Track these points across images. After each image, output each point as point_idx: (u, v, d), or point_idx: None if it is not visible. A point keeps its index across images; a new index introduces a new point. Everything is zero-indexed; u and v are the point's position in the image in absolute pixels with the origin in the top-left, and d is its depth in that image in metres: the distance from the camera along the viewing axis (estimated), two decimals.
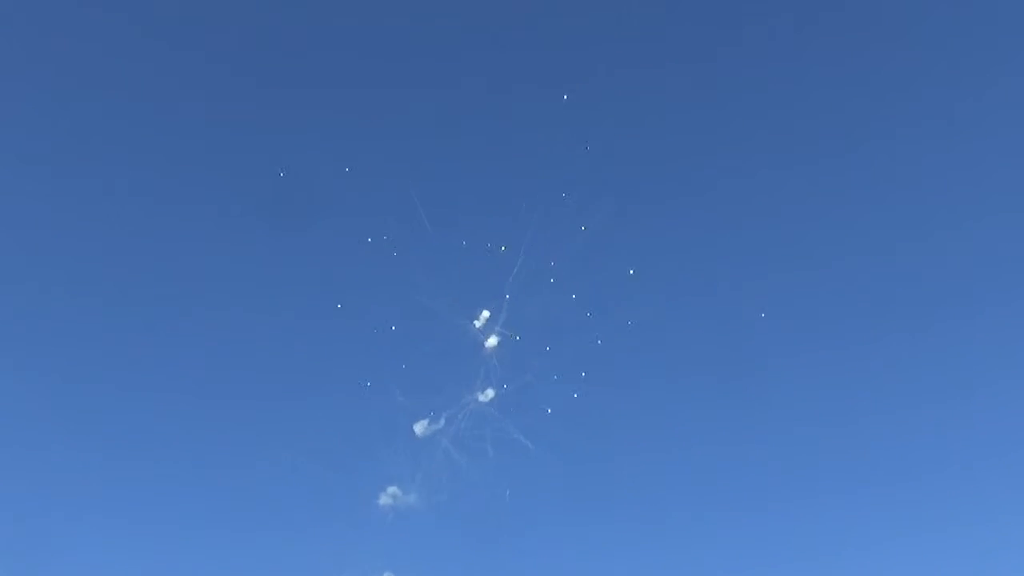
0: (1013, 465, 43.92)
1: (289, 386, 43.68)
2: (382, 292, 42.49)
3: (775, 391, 46.34)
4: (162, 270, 47.68)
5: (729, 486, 43.58)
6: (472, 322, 39.40)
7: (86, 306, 46.80)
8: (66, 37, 49.71)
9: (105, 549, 40.99)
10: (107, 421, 44.35)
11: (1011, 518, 42.46)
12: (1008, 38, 51.70)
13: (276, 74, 50.64)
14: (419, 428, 38.71)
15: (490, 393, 39.02)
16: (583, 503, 41.33)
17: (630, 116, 50.90)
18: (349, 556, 37.79)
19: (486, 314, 39.36)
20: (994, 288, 48.30)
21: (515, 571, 40.30)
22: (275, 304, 45.70)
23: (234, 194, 48.95)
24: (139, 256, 47.93)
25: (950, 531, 42.68)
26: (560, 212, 43.43)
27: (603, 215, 46.48)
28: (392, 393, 39.13)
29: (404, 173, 48.44)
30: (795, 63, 52.64)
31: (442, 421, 38.57)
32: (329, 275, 45.44)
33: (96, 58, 49.89)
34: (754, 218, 50.37)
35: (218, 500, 41.44)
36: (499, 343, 39.08)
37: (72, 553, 40.75)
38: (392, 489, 38.41)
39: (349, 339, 43.31)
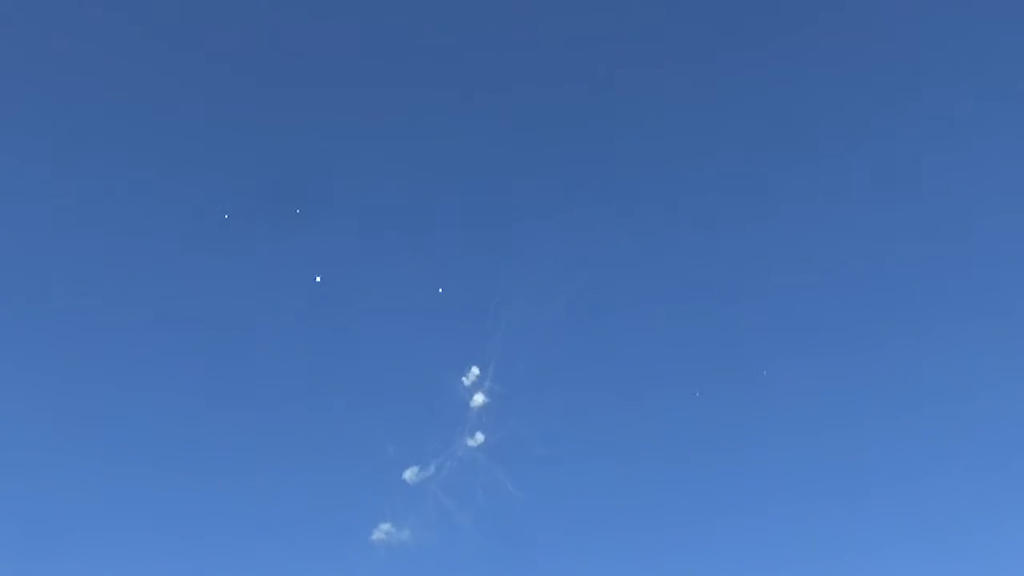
0: (1017, 468, 44.80)
1: (287, 403, 44.70)
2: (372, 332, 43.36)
3: (777, 396, 46.99)
4: (159, 272, 48.12)
5: (731, 495, 44.61)
6: (461, 378, 40.35)
7: (84, 307, 47.38)
8: (64, 37, 49.45)
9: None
10: (99, 424, 45.30)
11: (1015, 523, 43.43)
12: (1009, 38, 51.41)
13: (276, 74, 50.49)
14: (409, 475, 39.84)
15: (480, 437, 40.04)
16: (578, 534, 42.58)
17: (627, 117, 50.95)
18: None
19: (475, 371, 40.17)
20: (998, 291, 48.65)
21: None
22: (273, 319, 46.34)
23: (233, 195, 49.20)
24: (137, 257, 48.43)
25: (954, 535, 43.76)
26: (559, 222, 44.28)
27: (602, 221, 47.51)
28: (383, 441, 40.38)
29: (405, 176, 49.21)
30: (795, 63, 52.41)
31: (432, 468, 39.69)
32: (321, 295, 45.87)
33: (94, 57, 49.66)
34: (754, 220, 50.66)
35: (212, 522, 42.86)
36: (486, 402, 40.05)
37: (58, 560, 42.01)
38: (385, 526, 39.73)
39: (342, 374, 44.18)
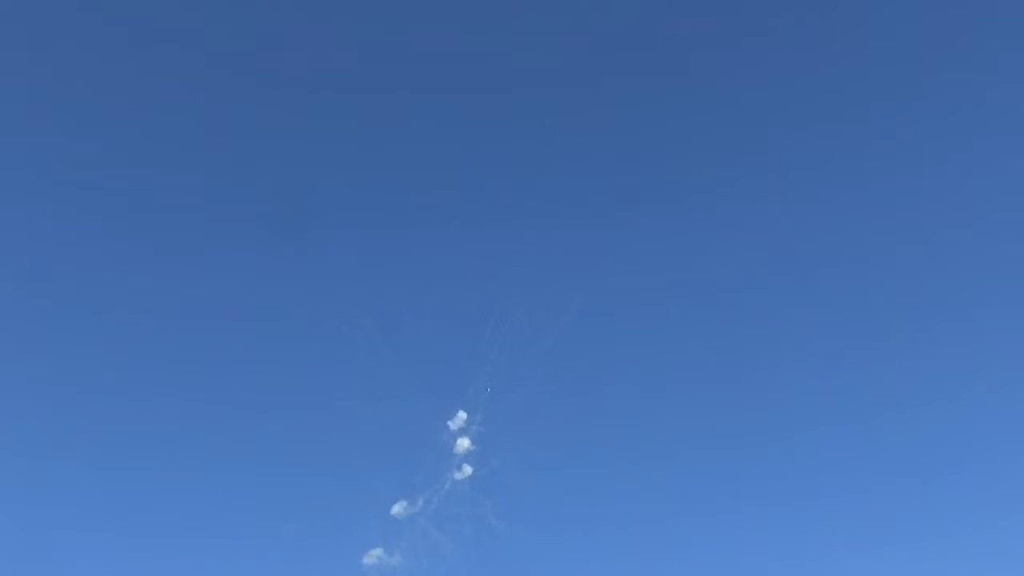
0: (1011, 468, 45.56)
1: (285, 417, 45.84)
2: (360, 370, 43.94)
3: (772, 398, 47.88)
4: (156, 277, 48.76)
5: (714, 528, 45.32)
6: (447, 422, 40.95)
7: (84, 313, 48.59)
8: (66, 42, 49.55)
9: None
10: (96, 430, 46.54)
11: (1009, 523, 44.41)
12: (1009, 38, 50.66)
13: (278, 80, 50.44)
14: (397, 509, 40.74)
15: (468, 470, 40.76)
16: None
17: (629, 116, 50.76)
18: None
19: (463, 415, 40.76)
20: (994, 291, 49.03)
21: None
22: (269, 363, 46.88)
23: (234, 203, 49.57)
24: (136, 263, 49.38)
25: (951, 534, 44.61)
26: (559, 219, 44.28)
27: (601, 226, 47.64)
28: (371, 478, 41.23)
29: (405, 183, 49.34)
30: (792, 64, 51.90)
31: (420, 503, 40.57)
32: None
33: (96, 63, 49.86)
34: (753, 222, 50.76)
35: (207, 545, 43.86)
36: (472, 447, 40.64)
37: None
38: (376, 552, 40.74)
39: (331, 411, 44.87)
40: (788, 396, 47.89)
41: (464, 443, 40.80)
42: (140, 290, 48.86)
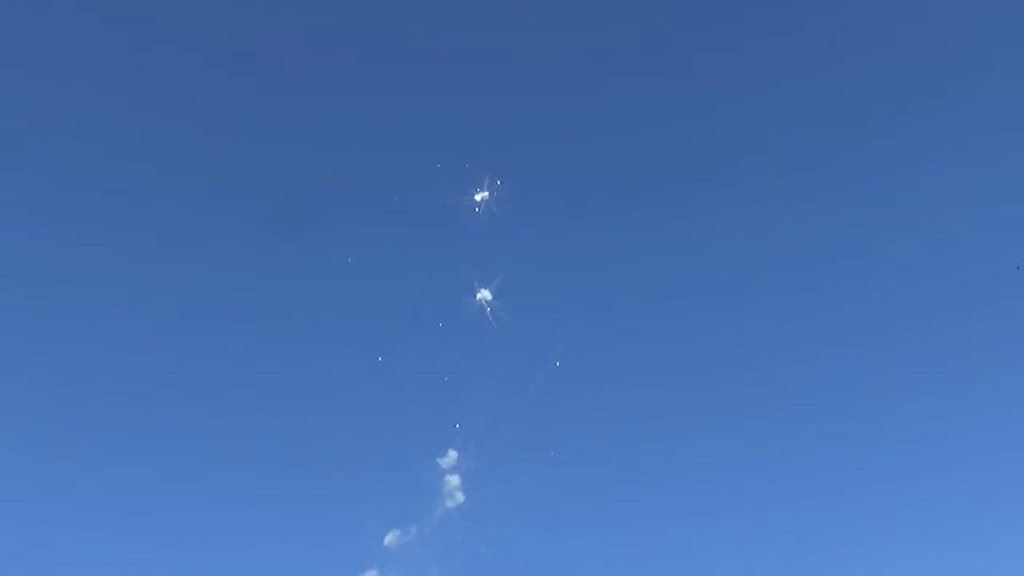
0: (1011, 466, 45.74)
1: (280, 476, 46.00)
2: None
3: (772, 397, 47.93)
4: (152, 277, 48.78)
5: (726, 498, 45.83)
6: (437, 459, 41.07)
7: (84, 313, 48.92)
8: (66, 42, 49.71)
9: None
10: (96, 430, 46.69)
11: (1009, 521, 44.59)
12: (1009, 38, 50.72)
13: (278, 79, 50.49)
14: (390, 538, 40.93)
15: (459, 497, 40.92)
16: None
17: (629, 116, 50.79)
18: None
19: (454, 454, 40.97)
20: (994, 290, 49.21)
21: None
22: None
23: (234, 203, 49.65)
24: (136, 263, 49.66)
25: (951, 532, 44.81)
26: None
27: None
28: (363, 509, 41.47)
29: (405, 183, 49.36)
30: (792, 64, 51.95)
31: (413, 532, 40.73)
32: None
33: (96, 63, 50.00)
34: (753, 222, 50.77)
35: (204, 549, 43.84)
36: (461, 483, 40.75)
37: None
38: (371, 573, 40.88)
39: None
40: (788, 395, 47.97)
41: (454, 480, 41.10)
42: (140, 290, 48.86)
